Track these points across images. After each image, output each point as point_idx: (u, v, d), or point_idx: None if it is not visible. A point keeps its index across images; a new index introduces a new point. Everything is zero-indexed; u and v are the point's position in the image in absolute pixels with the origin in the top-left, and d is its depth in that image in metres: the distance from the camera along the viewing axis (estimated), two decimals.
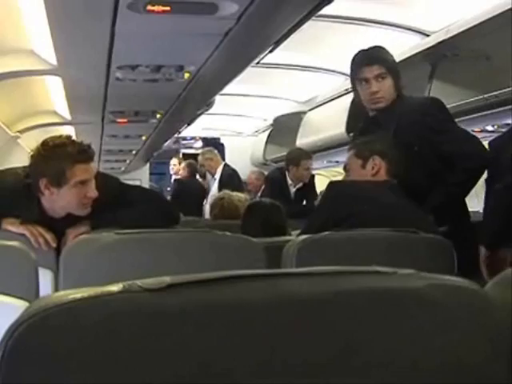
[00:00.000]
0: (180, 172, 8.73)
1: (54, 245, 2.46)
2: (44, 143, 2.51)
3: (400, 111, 3.02)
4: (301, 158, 5.80)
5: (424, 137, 2.91)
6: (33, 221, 2.50)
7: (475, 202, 2.91)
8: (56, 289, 2.20)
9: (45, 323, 0.70)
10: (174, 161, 9.23)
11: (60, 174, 2.46)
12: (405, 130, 2.90)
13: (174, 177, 9.10)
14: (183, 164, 8.73)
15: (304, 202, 6.07)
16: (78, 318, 0.71)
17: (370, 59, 3.10)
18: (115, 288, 0.74)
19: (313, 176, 6.08)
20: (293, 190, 5.95)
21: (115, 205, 2.59)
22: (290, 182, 5.91)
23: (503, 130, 4.41)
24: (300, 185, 5.92)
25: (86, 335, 0.70)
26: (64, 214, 2.58)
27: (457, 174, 2.88)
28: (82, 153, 2.51)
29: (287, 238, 2.85)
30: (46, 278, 2.23)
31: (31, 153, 2.54)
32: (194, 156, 8.98)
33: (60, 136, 2.59)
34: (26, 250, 2.00)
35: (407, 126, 2.92)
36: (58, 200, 2.52)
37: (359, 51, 3.17)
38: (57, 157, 2.46)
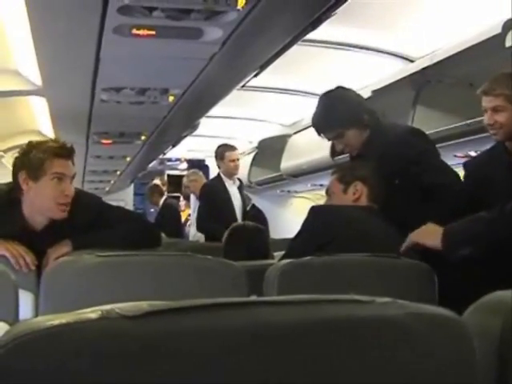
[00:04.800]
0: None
1: (33, 267, 2.44)
2: (28, 142, 2.59)
3: (379, 142, 3.03)
4: (224, 150, 5.92)
5: (404, 168, 2.91)
6: (14, 236, 2.49)
7: None
8: (36, 311, 2.19)
9: (24, 348, 0.70)
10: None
11: (38, 166, 2.51)
12: (385, 162, 2.88)
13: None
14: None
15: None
16: (57, 344, 0.71)
17: (317, 130, 3.20)
18: (93, 314, 0.74)
19: None
20: (235, 191, 5.92)
21: (97, 225, 2.59)
22: (226, 181, 5.90)
23: None
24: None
25: (63, 361, 0.70)
26: (45, 222, 2.58)
27: (434, 208, 2.86)
28: (62, 148, 2.57)
29: (269, 261, 2.85)
30: (26, 300, 2.21)
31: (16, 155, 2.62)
32: (179, 177, 8.99)
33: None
34: (6, 271, 1.99)
35: (388, 157, 2.91)
36: (36, 197, 2.53)
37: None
38: (37, 150, 2.53)
